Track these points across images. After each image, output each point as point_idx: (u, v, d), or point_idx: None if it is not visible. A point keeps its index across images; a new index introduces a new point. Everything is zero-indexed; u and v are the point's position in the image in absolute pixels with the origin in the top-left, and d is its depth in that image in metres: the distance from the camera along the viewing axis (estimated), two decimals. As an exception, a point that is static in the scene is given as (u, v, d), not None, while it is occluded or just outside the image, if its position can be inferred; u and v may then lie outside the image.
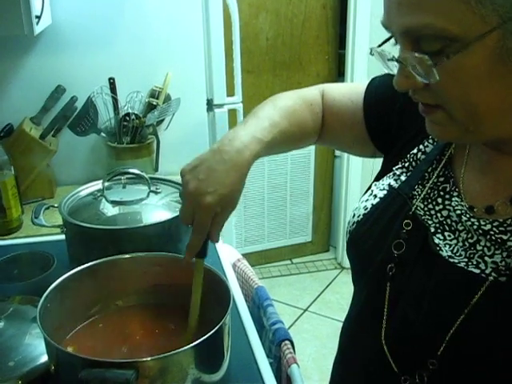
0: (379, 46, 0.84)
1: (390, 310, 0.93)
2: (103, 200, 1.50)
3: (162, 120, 2.37)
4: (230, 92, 2.59)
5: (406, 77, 0.79)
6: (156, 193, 1.52)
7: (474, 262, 0.83)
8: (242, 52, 2.59)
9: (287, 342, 1.32)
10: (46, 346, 1.05)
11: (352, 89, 1.20)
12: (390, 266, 0.92)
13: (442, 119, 0.81)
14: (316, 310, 3.67)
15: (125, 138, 2.28)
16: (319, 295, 3.84)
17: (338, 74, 3.88)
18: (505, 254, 0.80)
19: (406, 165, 1.02)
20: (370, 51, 0.86)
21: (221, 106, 2.55)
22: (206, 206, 1.00)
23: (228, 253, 1.76)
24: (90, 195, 1.55)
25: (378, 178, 1.09)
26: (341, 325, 1.13)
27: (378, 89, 1.14)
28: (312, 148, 3.92)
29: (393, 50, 0.82)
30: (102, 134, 2.31)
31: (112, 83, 2.30)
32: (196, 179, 1.01)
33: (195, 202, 1.01)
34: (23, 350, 1.19)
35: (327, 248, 4.39)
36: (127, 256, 1.26)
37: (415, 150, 1.01)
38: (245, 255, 1.83)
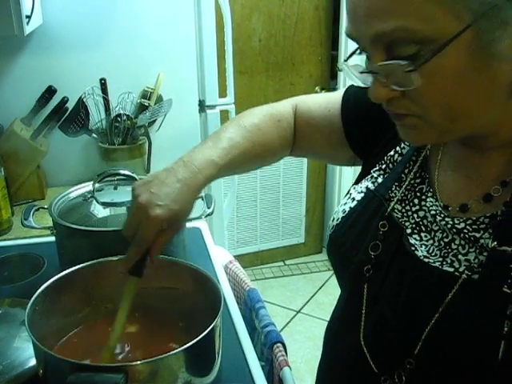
0: (346, 60, 0.83)
1: (367, 311, 0.93)
2: (94, 202, 1.48)
3: (154, 121, 2.37)
4: (222, 93, 2.59)
5: (382, 87, 0.77)
6: (147, 194, 1.51)
7: (449, 261, 0.83)
8: (235, 53, 2.59)
9: (279, 344, 1.32)
10: (34, 350, 1.03)
11: (328, 98, 1.20)
12: (366, 267, 0.93)
13: (415, 124, 0.80)
14: (309, 312, 3.66)
15: (116, 138, 2.27)
16: (312, 297, 3.83)
17: (331, 75, 3.87)
18: (478, 252, 0.81)
19: (383, 167, 1.02)
20: (337, 67, 0.85)
21: (213, 107, 2.56)
22: (154, 218, 0.97)
23: (220, 254, 1.75)
24: (80, 196, 1.54)
25: (357, 181, 1.09)
26: (334, 327, 1.12)
27: (356, 94, 1.12)
28: (305, 149, 3.91)
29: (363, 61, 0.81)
30: (94, 135, 2.30)
31: (103, 84, 2.29)
32: (148, 192, 1.00)
33: (143, 213, 0.98)
34: (12, 353, 1.17)
35: (320, 249, 4.39)
36: (117, 258, 1.25)
37: (392, 152, 1.02)
38: (237, 257, 1.83)
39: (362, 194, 1.02)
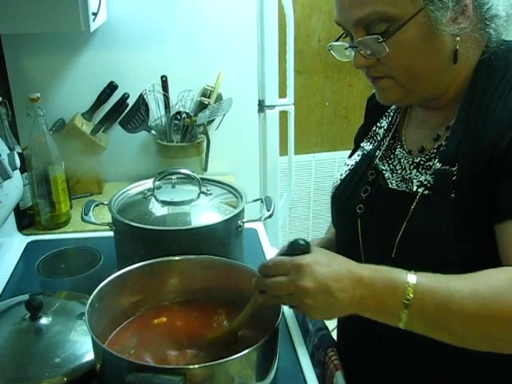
0: (336, 41, 1.13)
1: (363, 238, 1.20)
2: (152, 199, 1.49)
3: (213, 120, 2.36)
4: (282, 93, 2.57)
5: (361, 57, 1.06)
6: (206, 194, 1.50)
7: (410, 187, 1.11)
8: (294, 53, 2.57)
9: (333, 349, 1.31)
10: (93, 346, 1.04)
11: None
12: (359, 206, 1.21)
13: (388, 85, 1.09)
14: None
15: (175, 136, 2.28)
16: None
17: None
18: (428, 174, 1.09)
19: (370, 139, 1.31)
20: (328, 48, 1.14)
21: (272, 107, 2.53)
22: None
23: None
24: (139, 194, 1.54)
25: (350, 155, 1.37)
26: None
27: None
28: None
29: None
30: (153, 132, 2.31)
31: (164, 81, 2.30)
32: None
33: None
34: (69, 347, 1.19)
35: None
36: (177, 258, 1.25)
37: (374, 128, 1.32)
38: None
39: (357, 159, 1.29)
